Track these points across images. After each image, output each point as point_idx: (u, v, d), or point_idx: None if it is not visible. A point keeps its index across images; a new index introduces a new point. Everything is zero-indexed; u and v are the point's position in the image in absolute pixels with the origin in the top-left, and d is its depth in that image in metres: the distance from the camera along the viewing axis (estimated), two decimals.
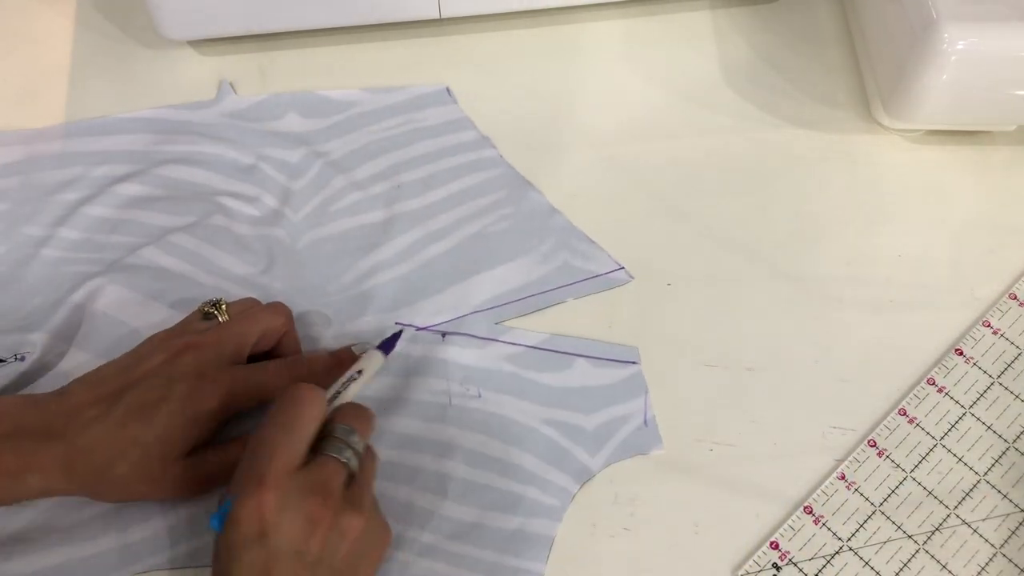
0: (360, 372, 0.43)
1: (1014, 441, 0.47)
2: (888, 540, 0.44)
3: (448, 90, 0.58)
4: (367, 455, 0.40)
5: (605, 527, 0.44)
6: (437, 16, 0.57)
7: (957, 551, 0.44)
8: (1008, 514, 0.45)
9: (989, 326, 0.50)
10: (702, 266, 0.52)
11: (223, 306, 0.44)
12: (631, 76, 0.59)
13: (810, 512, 0.44)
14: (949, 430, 0.47)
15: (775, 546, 0.43)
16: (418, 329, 0.48)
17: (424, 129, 0.56)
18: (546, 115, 0.57)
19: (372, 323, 0.49)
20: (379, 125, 0.56)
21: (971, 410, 0.47)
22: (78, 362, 0.46)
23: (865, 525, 0.44)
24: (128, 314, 0.48)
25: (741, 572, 0.43)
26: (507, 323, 0.49)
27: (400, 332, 0.47)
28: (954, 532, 0.44)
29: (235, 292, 0.49)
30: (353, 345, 0.46)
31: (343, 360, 0.46)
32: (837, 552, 0.43)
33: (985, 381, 0.48)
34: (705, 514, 0.44)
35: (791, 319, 0.50)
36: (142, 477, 0.40)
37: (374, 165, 0.54)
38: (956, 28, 0.48)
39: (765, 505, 0.45)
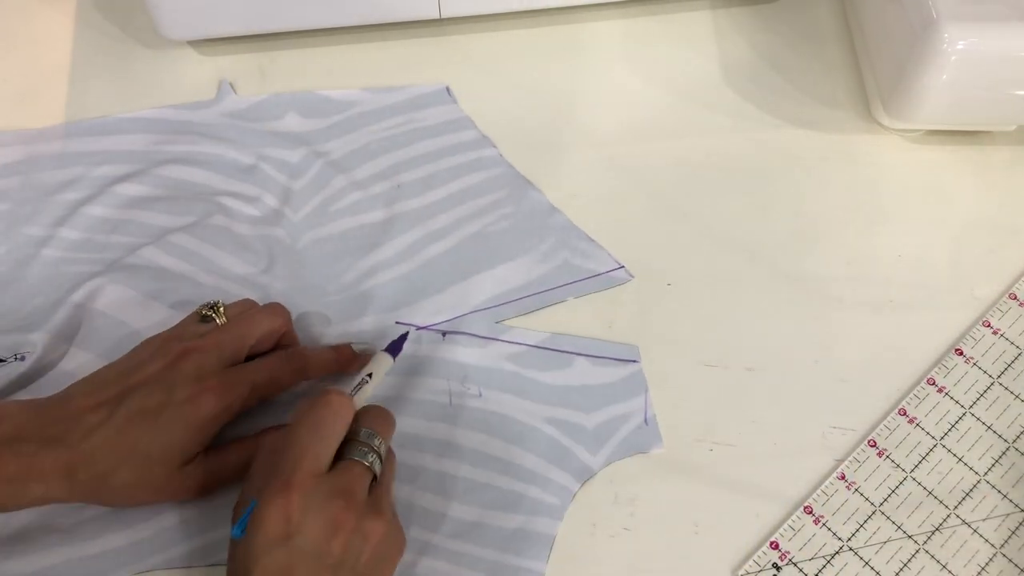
0: (370, 375, 0.43)
1: (1014, 441, 0.47)
2: (888, 540, 0.44)
3: (448, 90, 0.58)
4: (388, 457, 0.40)
5: (605, 527, 0.44)
6: (437, 16, 0.57)
7: (957, 551, 0.44)
8: (1008, 514, 0.45)
9: (989, 326, 0.50)
10: (702, 266, 0.52)
11: (221, 308, 0.44)
12: (631, 76, 0.59)
13: (810, 512, 0.44)
14: (949, 430, 0.47)
15: (775, 546, 0.43)
16: (418, 328, 0.48)
17: (424, 129, 0.56)
18: (546, 115, 0.57)
19: (372, 323, 0.49)
20: (379, 125, 0.56)
21: (971, 410, 0.47)
22: (78, 362, 0.46)
23: (865, 525, 0.44)
24: (128, 314, 0.48)
25: (741, 572, 0.43)
26: (507, 322, 0.49)
27: (407, 333, 0.47)
28: (954, 532, 0.44)
29: (235, 292, 0.49)
30: (353, 344, 0.46)
31: (343, 355, 0.46)
32: (837, 552, 0.43)
33: (985, 381, 0.48)
34: (705, 514, 0.44)
35: (791, 319, 0.50)
36: (144, 484, 0.40)
37: (374, 165, 0.54)
38: (956, 28, 0.48)
39: (765, 505, 0.45)
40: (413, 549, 0.42)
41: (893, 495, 0.45)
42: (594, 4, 0.60)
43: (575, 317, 0.50)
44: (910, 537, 0.44)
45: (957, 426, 0.47)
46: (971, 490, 0.45)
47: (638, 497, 0.45)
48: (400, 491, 0.44)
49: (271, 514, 0.35)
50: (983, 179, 0.56)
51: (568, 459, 0.45)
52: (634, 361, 0.48)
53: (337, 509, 0.36)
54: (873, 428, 0.47)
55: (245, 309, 0.45)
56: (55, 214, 0.51)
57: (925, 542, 0.44)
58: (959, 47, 0.48)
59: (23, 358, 0.46)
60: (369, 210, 0.53)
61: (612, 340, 0.49)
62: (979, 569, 0.43)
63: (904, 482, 0.45)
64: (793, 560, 0.43)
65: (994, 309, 0.51)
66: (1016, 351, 0.49)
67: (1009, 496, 0.45)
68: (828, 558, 0.43)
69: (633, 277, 0.51)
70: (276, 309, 0.45)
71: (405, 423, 0.46)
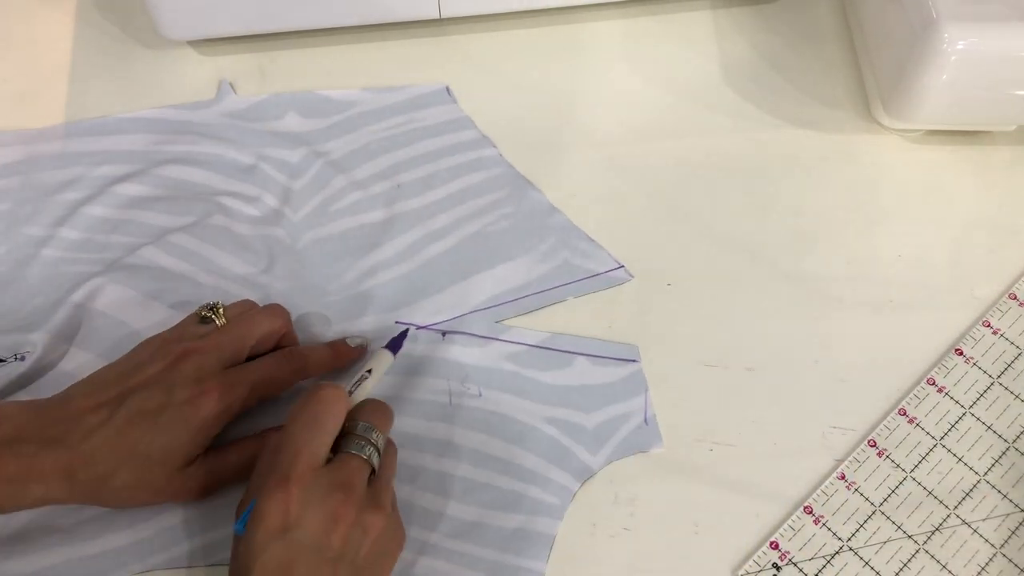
0: (370, 371, 0.43)
1: (1014, 441, 0.47)
2: (888, 540, 0.44)
3: (448, 89, 0.58)
4: (387, 451, 0.40)
5: (605, 527, 0.44)
6: (437, 16, 0.57)
7: (957, 551, 0.44)
8: (1008, 514, 0.45)
9: (989, 326, 0.50)
10: (702, 266, 0.52)
11: (220, 309, 0.44)
12: (631, 76, 0.59)
13: (810, 512, 0.44)
14: (949, 430, 0.47)
15: (775, 546, 0.43)
16: (418, 328, 0.49)
17: (424, 128, 0.56)
18: (546, 115, 0.57)
19: (372, 323, 0.49)
20: (379, 125, 0.56)
21: (971, 410, 0.47)
22: (78, 362, 0.46)
23: (865, 525, 0.44)
24: (128, 314, 0.48)
25: (741, 572, 0.43)
26: (507, 322, 0.49)
27: (407, 330, 0.47)
28: (954, 532, 0.44)
29: (235, 292, 0.49)
30: (348, 338, 0.46)
31: (340, 352, 0.46)
32: (837, 552, 0.43)
33: (985, 381, 0.48)
34: (705, 514, 0.44)
35: (791, 319, 0.50)
36: (144, 485, 0.40)
37: (374, 165, 0.54)
38: (956, 28, 0.48)
39: (765, 505, 0.45)
40: (412, 549, 0.42)
41: (893, 495, 0.45)
42: (594, 4, 0.60)
43: (575, 317, 0.50)
44: (910, 537, 0.44)
45: (957, 426, 0.47)
46: (971, 490, 0.45)
47: (638, 497, 0.45)
48: (400, 491, 0.44)
49: (270, 508, 0.35)
50: (983, 179, 0.56)
51: (568, 459, 0.45)
52: (634, 361, 0.48)
53: (336, 502, 0.36)
54: (873, 428, 0.47)
55: (245, 310, 0.45)
56: (55, 214, 0.51)
57: (925, 542, 0.44)
58: (959, 47, 0.48)
59: (23, 358, 0.46)
60: (369, 210, 0.53)
61: (612, 340, 0.49)
62: (979, 569, 0.43)
63: (904, 482, 0.45)
64: (793, 560, 0.43)
65: (994, 309, 0.51)
66: (1016, 351, 0.49)
67: (1009, 496, 0.45)
68: (828, 558, 0.43)
69: (633, 277, 0.51)
70: (276, 310, 0.45)
71: (405, 423, 0.46)
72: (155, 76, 0.58)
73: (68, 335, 0.47)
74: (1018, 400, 0.48)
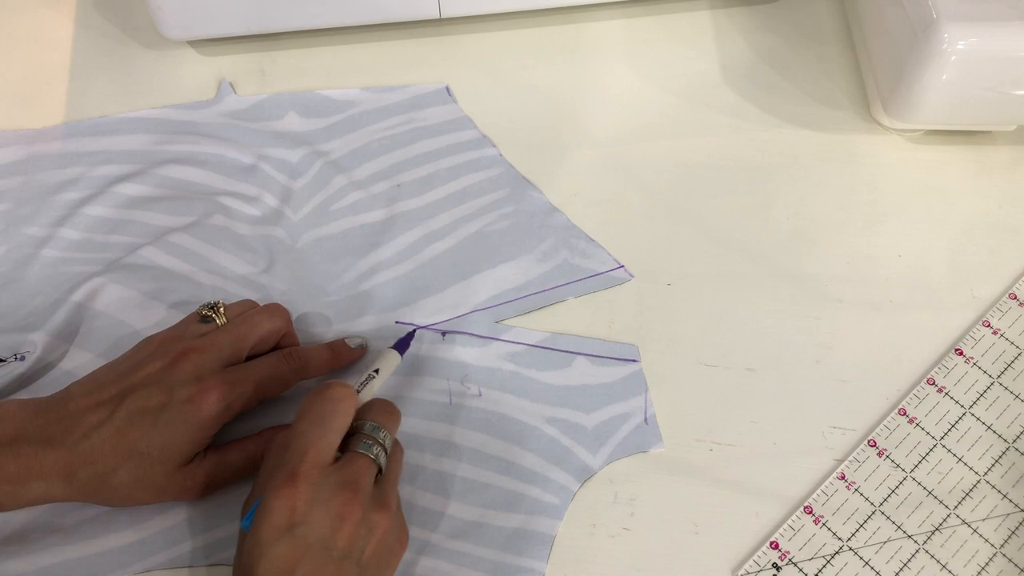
0: (377, 371, 0.43)
1: (1014, 441, 0.47)
2: (888, 540, 0.44)
3: (448, 89, 0.58)
4: (394, 451, 0.40)
5: (605, 527, 0.44)
6: (437, 16, 0.57)
7: (957, 551, 0.44)
8: (1008, 514, 0.45)
9: (989, 326, 0.50)
10: (702, 266, 0.52)
11: (221, 309, 0.44)
12: (631, 76, 0.59)
13: (810, 512, 0.44)
14: (949, 430, 0.47)
15: (775, 546, 0.43)
16: (418, 328, 0.49)
17: (424, 128, 0.56)
18: (546, 115, 0.57)
19: (372, 323, 0.49)
20: (379, 124, 0.56)
21: (971, 410, 0.47)
22: (78, 362, 0.46)
23: (865, 525, 0.44)
24: (128, 314, 0.48)
25: (741, 572, 0.43)
26: (507, 322, 0.49)
27: (414, 331, 0.47)
28: (954, 532, 0.44)
29: (235, 292, 0.49)
30: (347, 339, 0.46)
31: (338, 352, 0.46)
32: (837, 552, 0.43)
33: (985, 381, 0.48)
34: (705, 514, 0.44)
35: (791, 319, 0.50)
36: (143, 484, 0.40)
37: (374, 164, 0.54)
38: (956, 28, 0.48)
39: (765, 505, 0.45)
40: (413, 548, 0.42)
41: (893, 495, 0.45)
42: (594, 4, 0.60)
43: (575, 317, 0.50)
44: (910, 537, 0.44)
45: (957, 426, 0.47)
46: (971, 490, 0.45)
47: (638, 497, 0.45)
48: (400, 490, 0.43)
49: (277, 504, 0.35)
50: (983, 179, 0.56)
51: (568, 459, 0.45)
52: (634, 361, 0.48)
53: (343, 501, 0.36)
54: (873, 428, 0.47)
55: (245, 310, 0.45)
56: (55, 214, 0.51)
57: (925, 542, 0.44)
58: (959, 47, 0.48)
59: (23, 358, 0.46)
60: (369, 210, 0.53)
61: (612, 340, 0.49)
62: (979, 569, 0.43)
63: (904, 482, 0.45)
64: (793, 560, 0.43)
65: (994, 309, 0.51)
66: (1016, 351, 0.49)
67: (1009, 496, 0.45)
68: (828, 558, 0.43)
69: (633, 277, 0.51)
70: (276, 310, 0.45)
71: (405, 422, 0.46)
72: (155, 76, 0.58)
73: (68, 335, 0.47)
74: (1018, 400, 0.48)
